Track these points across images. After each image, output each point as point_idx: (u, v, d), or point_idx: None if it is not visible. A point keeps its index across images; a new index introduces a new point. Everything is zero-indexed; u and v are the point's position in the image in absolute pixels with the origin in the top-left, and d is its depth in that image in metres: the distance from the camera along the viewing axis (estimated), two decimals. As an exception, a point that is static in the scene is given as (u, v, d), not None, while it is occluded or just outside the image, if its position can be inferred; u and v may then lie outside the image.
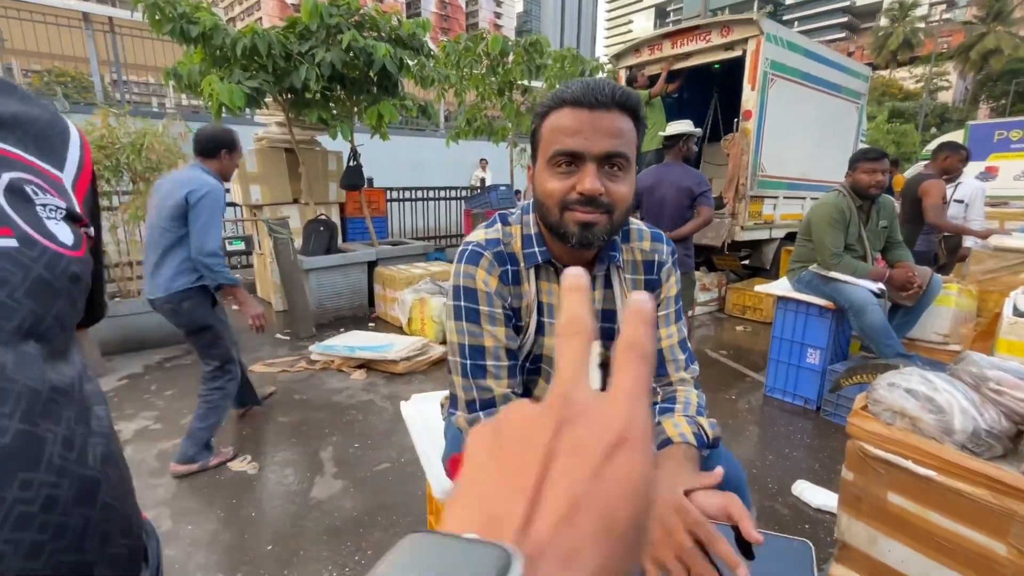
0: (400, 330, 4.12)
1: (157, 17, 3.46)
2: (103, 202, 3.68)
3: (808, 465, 2.28)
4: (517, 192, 7.47)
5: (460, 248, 0.89)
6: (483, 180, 10.15)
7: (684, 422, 0.83)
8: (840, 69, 5.22)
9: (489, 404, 0.84)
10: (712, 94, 5.94)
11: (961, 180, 3.78)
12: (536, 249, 0.88)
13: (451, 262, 5.37)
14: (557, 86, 5.94)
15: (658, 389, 0.94)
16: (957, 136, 13.37)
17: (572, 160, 0.77)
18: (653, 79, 4.90)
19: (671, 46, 4.92)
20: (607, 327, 0.93)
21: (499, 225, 0.91)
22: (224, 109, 3.54)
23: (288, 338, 3.97)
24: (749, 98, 4.34)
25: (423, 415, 1.32)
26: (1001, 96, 33.98)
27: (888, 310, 2.71)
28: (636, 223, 0.96)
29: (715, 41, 4.53)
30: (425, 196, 7.43)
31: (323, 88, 4.02)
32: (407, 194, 7.19)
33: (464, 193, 8.10)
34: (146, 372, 3.29)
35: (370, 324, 4.37)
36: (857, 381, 1.99)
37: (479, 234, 0.90)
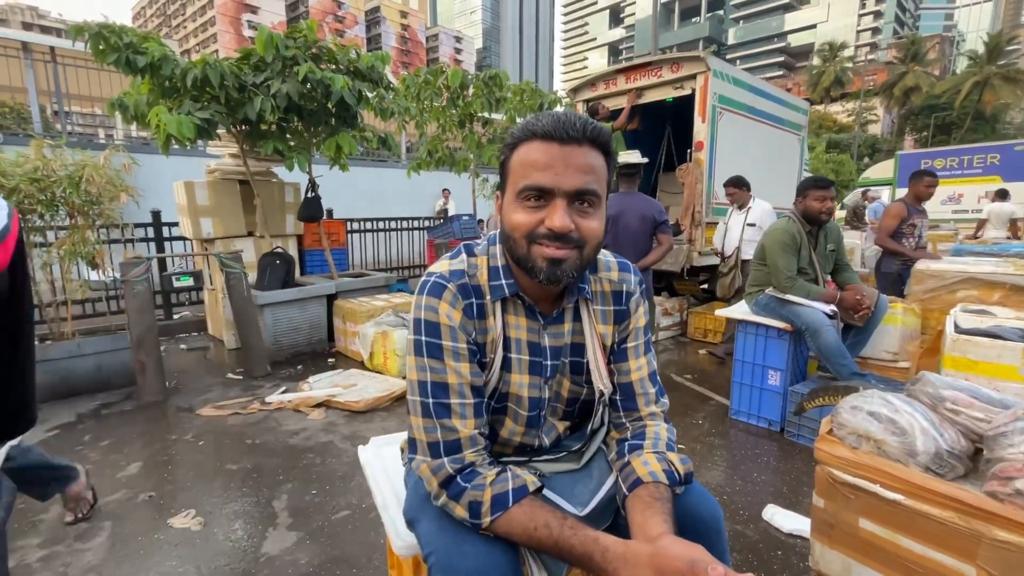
0: (361, 365, 3.98)
1: (101, 47, 3.33)
2: (36, 238, 3.43)
3: (776, 488, 2.29)
4: (480, 221, 7.48)
5: (422, 279, 0.85)
6: (446, 210, 10.15)
7: (654, 459, 0.80)
8: (782, 103, 5.55)
9: (455, 447, 0.78)
10: (665, 126, 6.20)
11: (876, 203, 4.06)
12: (503, 282, 0.84)
13: (414, 293, 5.31)
14: (518, 118, 6.07)
15: (627, 424, 0.90)
16: (887, 166, 14.40)
17: (541, 195, 0.75)
18: (615, 112, 5.07)
19: (625, 81, 5.12)
20: (575, 361, 0.89)
21: (464, 256, 0.87)
22: (173, 141, 3.41)
23: (241, 378, 3.75)
24: (700, 130, 4.54)
25: (383, 460, 1.24)
26: (923, 128, 37.16)
27: (841, 330, 2.81)
28: (603, 253, 0.94)
29: (666, 76, 4.75)
30: (387, 227, 7.34)
31: (279, 119, 3.94)
32: (368, 225, 7.09)
33: (427, 223, 8.06)
34: (79, 421, 3.02)
35: (330, 360, 4.20)
36: (820, 404, 2.02)
37: (443, 265, 0.86)
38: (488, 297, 0.84)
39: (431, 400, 0.78)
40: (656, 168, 6.51)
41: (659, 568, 0.60)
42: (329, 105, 3.79)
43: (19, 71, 7.02)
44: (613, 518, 0.87)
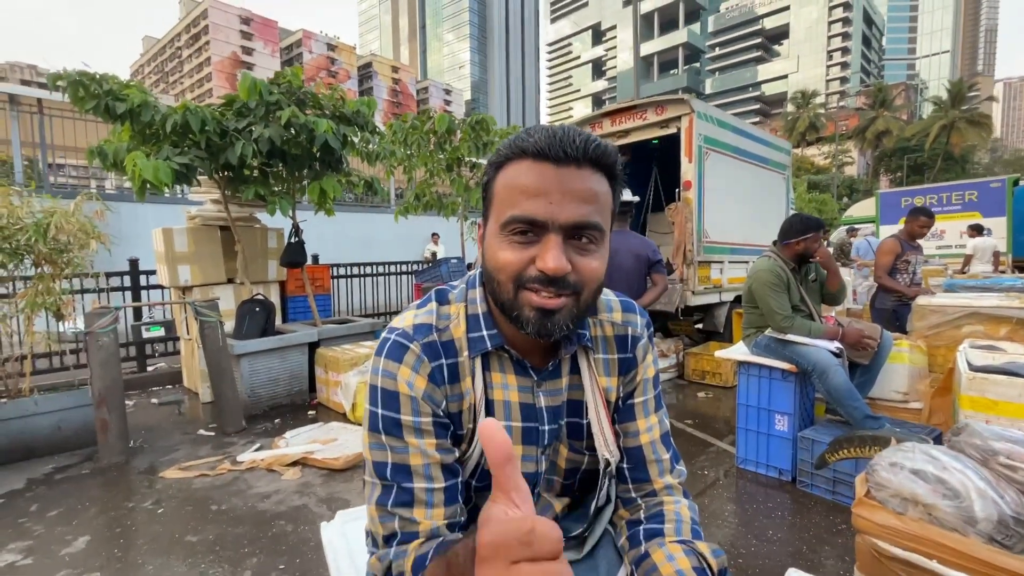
0: (344, 417, 3.75)
1: (80, 94, 3.27)
2: (-1, 289, 3.25)
3: (795, 548, 2.08)
4: (469, 266, 7.40)
5: (383, 336, 0.69)
6: (435, 254, 10.10)
7: (680, 552, 0.63)
8: (765, 144, 5.64)
9: (411, 539, 0.61)
10: (652, 167, 6.26)
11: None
12: (484, 333, 0.69)
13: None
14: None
15: (638, 500, 0.74)
16: (869, 204, 14.75)
17: (531, 228, 0.60)
18: None
19: (611, 124, 5.18)
20: (573, 422, 0.74)
21: (434, 305, 0.71)
22: (151, 187, 3.30)
23: (213, 434, 3.50)
24: (687, 169, 4.55)
25: (347, 540, 1.05)
26: (897, 169, 38.64)
27: (847, 370, 2.67)
28: (605, 292, 0.79)
29: (651, 119, 4.81)
30: (374, 272, 7.21)
31: (262, 164, 3.87)
32: (354, 270, 6.96)
33: (415, 267, 7.96)
34: (29, 487, 2.75)
35: (310, 412, 3.96)
36: (844, 457, 1.86)
37: (407, 318, 0.70)
38: (465, 354, 0.69)
39: (390, 484, 0.63)
40: (644, 208, 6.53)
41: None
42: (313, 149, 3.74)
43: (4, 123, 7.00)
44: None
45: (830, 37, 70.28)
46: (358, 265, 7.00)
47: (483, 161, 6.19)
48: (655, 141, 5.15)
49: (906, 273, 3.87)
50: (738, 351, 2.94)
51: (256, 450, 3.13)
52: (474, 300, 0.71)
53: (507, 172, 0.62)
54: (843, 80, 68.94)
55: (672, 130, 4.71)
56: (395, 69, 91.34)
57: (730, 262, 5.07)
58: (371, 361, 0.68)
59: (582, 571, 0.72)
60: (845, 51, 69.33)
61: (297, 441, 3.20)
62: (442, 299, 0.72)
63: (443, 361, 0.67)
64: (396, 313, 7.52)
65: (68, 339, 4.05)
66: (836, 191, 34.73)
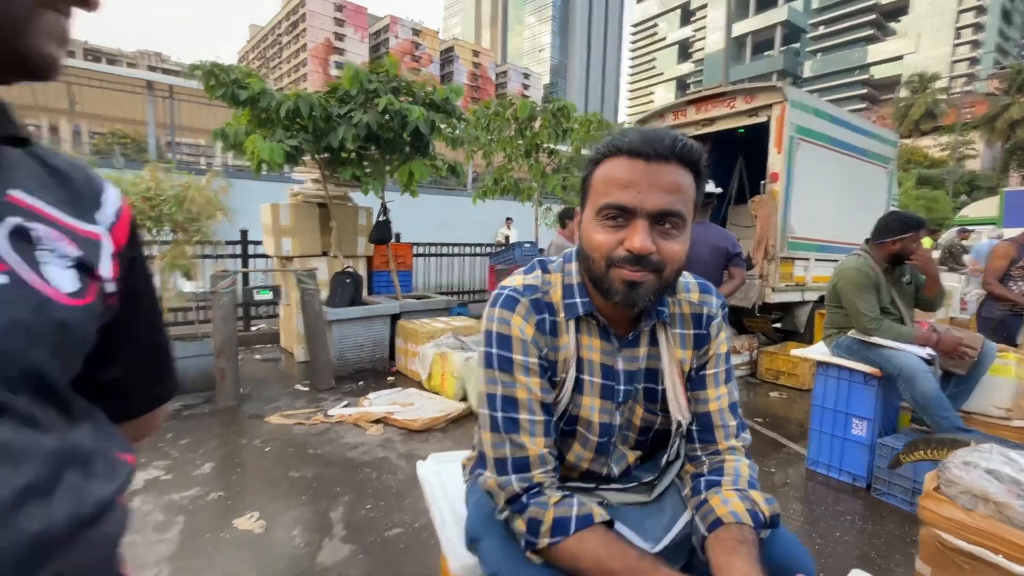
0: (419, 385, 4.04)
1: (212, 83, 3.73)
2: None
3: (863, 552, 2.05)
4: (541, 250, 7.54)
5: (495, 292, 0.84)
6: (507, 237, 10.31)
7: (735, 497, 0.73)
8: (867, 135, 5.24)
9: (523, 465, 0.75)
10: (736, 156, 6.01)
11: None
12: (578, 300, 0.81)
13: (475, 317, 5.29)
14: (583, 149, 6.11)
15: (703, 458, 0.84)
16: (990, 204, 13.09)
17: (622, 214, 0.72)
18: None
19: (696, 111, 5.04)
20: (649, 387, 0.85)
21: (539, 272, 0.85)
22: (264, 166, 3.72)
23: (307, 389, 3.92)
24: (776, 161, 4.35)
25: (441, 477, 1.22)
26: (1031, 164, 33.68)
27: (939, 378, 2.52)
28: (684, 274, 0.88)
29: (739, 107, 4.63)
30: (450, 252, 7.54)
31: (359, 147, 4.20)
32: (433, 249, 7.32)
33: (488, 250, 8.21)
34: (164, 419, 3.25)
35: (389, 378, 4.30)
36: (919, 458, 1.80)
37: (516, 279, 0.84)
38: (561, 315, 0.82)
39: (500, 414, 0.76)
40: (727, 200, 6.29)
41: None
42: (404, 134, 4.00)
43: (140, 106, 7.98)
44: (687, 559, 0.80)
45: (961, 12, 61.97)
46: (436, 245, 7.35)
47: (562, 148, 6.25)
48: (741, 130, 4.95)
49: (1021, 280, 3.51)
50: (817, 351, 2.85)
51: (344, 407, 3.48)
52: (570, 272, 0.83)
53: (604, 167, 0.75)
54: (973, 61, 60.70)
55: (761, 119, 4.51)
56: (476, 53, 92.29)
57: (816, 260, 4.80)
58: (485, 311, 0.83)
59: (650, 512, 0.84)
60: (978, 27, 60.89)
61: (379, 402, 3.52)
62: (544, 268, 0.86)
63: (545, 316, 0.81)
64: (470, 292, 7.86)
65: (191, 297, 4.65)
66: (952, 187, 30.98)
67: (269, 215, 4.69)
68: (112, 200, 0.48)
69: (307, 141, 3.86)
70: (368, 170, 4.40)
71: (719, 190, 3.20)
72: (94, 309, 0.43)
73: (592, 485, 0.88)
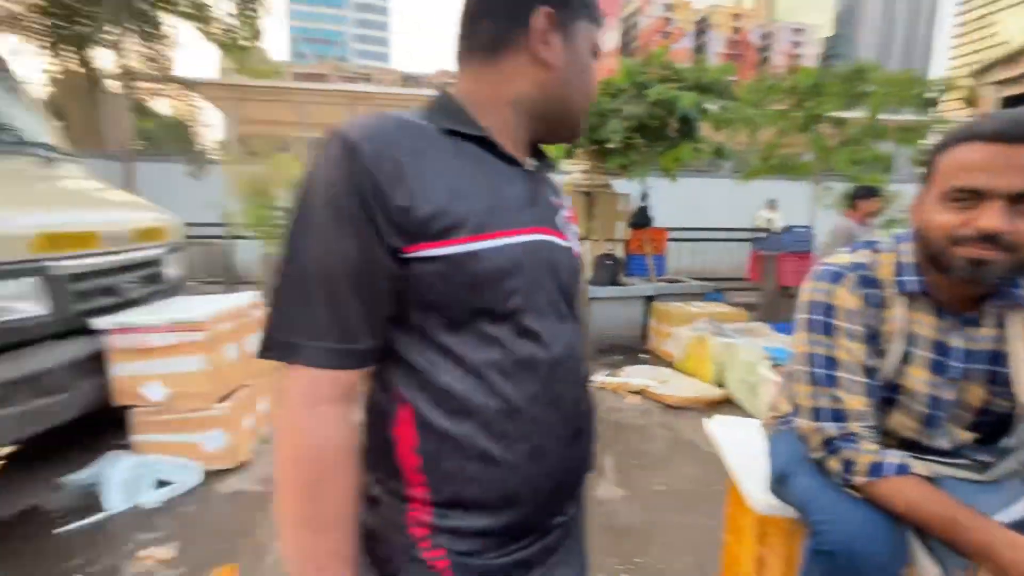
0: (670, 365, 4.16)
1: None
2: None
3: None
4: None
5: (814, 268, 0.94)
6: (770, 220, 9.32)
7: None
8: None
9: (840, 416, 0.85)
10: None
11: None
12: (911, 278, 0.86)
13: (732, 305, 5.08)
14: (878, 116, 5.10)
15: None
16: None
17: (972, 196, 0.75)
18: None
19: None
20: (993, 370, 0.84)
21: (867, 251, 0.92)
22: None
23: (571, 356, 4.47)
24: None
25: (728, 435, 1.39)
26: None
27: None
28: None
29: None
30: (706, 237, 7.30)
31: (625, 138, 4.48)
32: (688, 234, 7.20)
33: (746, 235, 7.62)
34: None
35: (642, 355, 4.54)
36: None
37: (840, 258, 0.93)
38: (891, 290, 0.87)
39: (820, 370, 0.87)
40: None
41: None
42: (672, 121, 4.10)
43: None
44: None
45: None
46: (692, 230, 7.21)
47: (853, 115, 5.35)
48: None
49: None
50: None
51: (606, 376, 3.87)
52: (904, 252, 0.88)
53: (955, 152, 0.78)
54: None
55: None
56: (735, 16, 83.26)
57: None
58: (804, 284, 0.94)
59: (984, 490, 0.83)
60: None
61: (636, 375, 3.79)
62: (874, 248, 0.92)
63: (873, 291, 0.88)
64: (726, 280, 7.48)
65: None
66: None
67: (544, 203, 5.40)
68: (568, 198, 0.80)
69: (583, 137, 4.33)
70: (634, 159, 4.65)
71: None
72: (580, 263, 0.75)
73: (912, 454, 0.90)
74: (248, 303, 2.76)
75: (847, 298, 0.88)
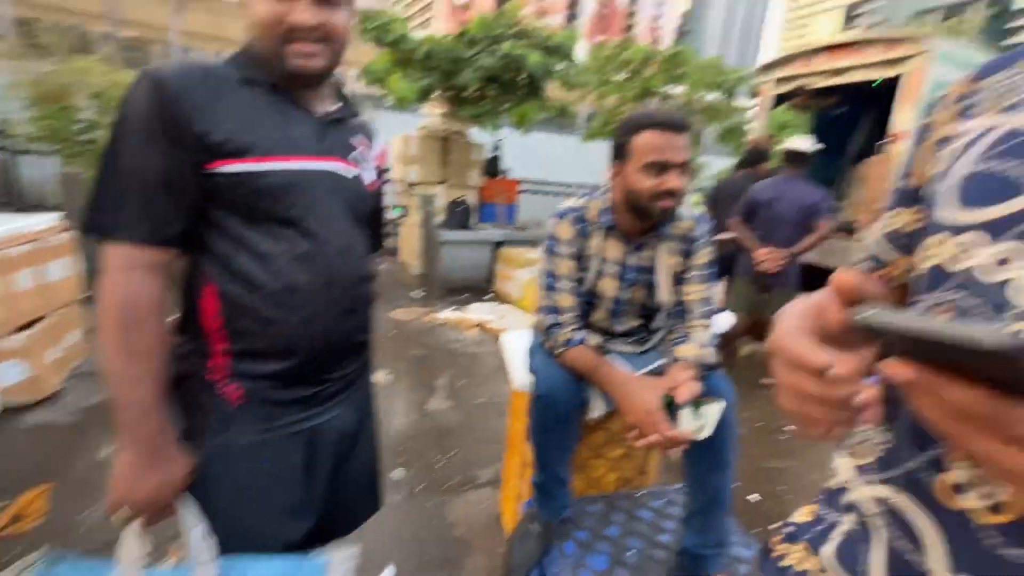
0: (511, 304, 4.66)
1: (364, 27, 4.37)
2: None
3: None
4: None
5: (556, 209, 1.30)
6: (613, 182, 10.35)
7: (692, 348, 1.18)
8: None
9: (555, 311, 1.24)
10: (868, 113, 5.55)
11: None
12: (607, 218, 1.23)
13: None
14: (698, 94, 5.97)
15: (680, 329, 1.27)
16: None
17: (660, 166, 1.10)
18: (820, 93, 4.77)
19: (828, 59, 4.75)
20: (648, 279, 1.27)
21: (584, 199, 1.28)
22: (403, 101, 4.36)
23: (421, 296, 4.73)
24: (902, 120, 4.08)
25: (514, 345, 1.78)
26: None
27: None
28: (686, 209, 1.25)
29: (873, 58, 4.32)
30: (557, 191, 7.92)
31: (479, 88, 4.68)
32: (539, 187, 7.75)
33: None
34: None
35: (488, 295, 4.98)
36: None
37: (569, 202, 1.29)
38: (593, 226, 1.25)
39: (548, 279, 1.25)
40: (852, 158, 5.86)
41: (627, 395, 1.04)
42: (520, 78, 4.39)
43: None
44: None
45: None
46: (542, 184, 7.76)
47: (677, 90, 6.18)
48: (875, 83, 4.61)
49: None
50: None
51: (451, 311, 4.22)
52: (605, 199, 1.25)
53: (644, 136, 1.13)
54: None
55: (901, 70, 4.17)
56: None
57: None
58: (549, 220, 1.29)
59: (639, 356, 1.31)
60: None
61: (478, 312, 4.20)
62: (590, 197, 1.29)
63: (581, 226, 1.25)
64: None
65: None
66: None
67: (401, 145, 5.41)
68: (379, 142, 1.01)
69: (437, 81, 4.41)
70: (486, 109, 4.88)
71: (812, 148, 3.19)
72: (376, 192, 0.97)
73: (604, 338, 1.35)
74: (47, 227, 2.48)
75: (566, 230, 1.24)
